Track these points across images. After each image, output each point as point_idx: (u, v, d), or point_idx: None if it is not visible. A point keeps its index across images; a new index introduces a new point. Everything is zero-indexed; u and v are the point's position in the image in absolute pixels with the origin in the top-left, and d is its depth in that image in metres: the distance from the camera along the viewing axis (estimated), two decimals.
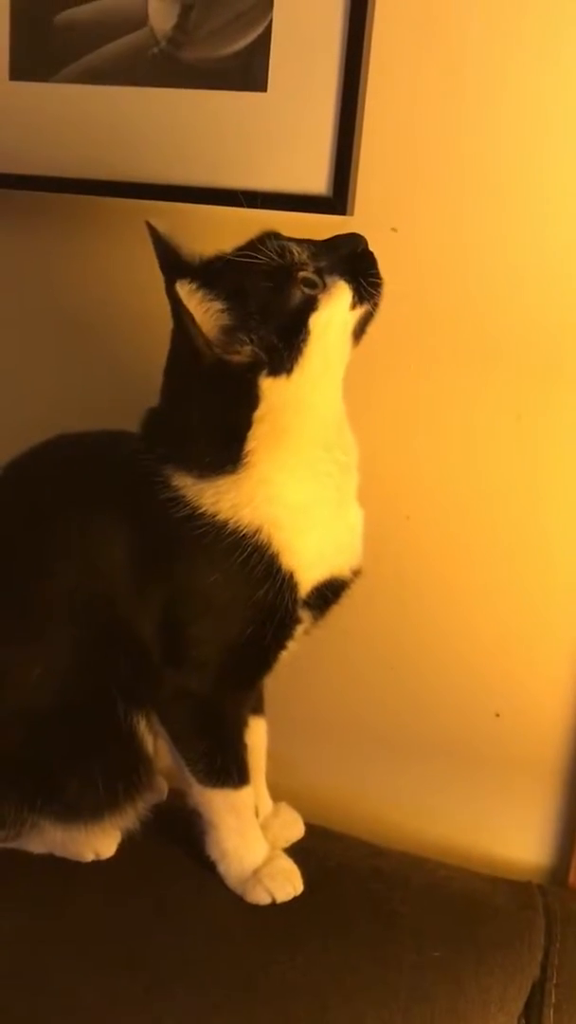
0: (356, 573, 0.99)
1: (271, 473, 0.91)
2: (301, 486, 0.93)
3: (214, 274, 0.88)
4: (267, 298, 0.87)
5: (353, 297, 0.89)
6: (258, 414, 0.89)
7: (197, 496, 0.92)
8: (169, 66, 1.10)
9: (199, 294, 0.86)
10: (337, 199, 1.06)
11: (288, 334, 0.87)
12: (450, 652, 1.17)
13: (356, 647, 1.19)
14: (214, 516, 0.91)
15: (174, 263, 0.91)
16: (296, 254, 0.88)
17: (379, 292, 0.90)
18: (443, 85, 1.05)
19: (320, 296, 0.88)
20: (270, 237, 0.91)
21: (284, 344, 0.87)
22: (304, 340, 0.88)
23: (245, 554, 0.90)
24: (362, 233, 1.06)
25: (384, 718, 1.21)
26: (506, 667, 1.15)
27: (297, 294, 0.88)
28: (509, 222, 1.06)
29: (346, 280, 0.89)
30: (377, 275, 0.90)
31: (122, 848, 1.07)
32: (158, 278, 0.92)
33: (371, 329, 0.93)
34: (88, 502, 0.97)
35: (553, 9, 1.00)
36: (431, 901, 1.04)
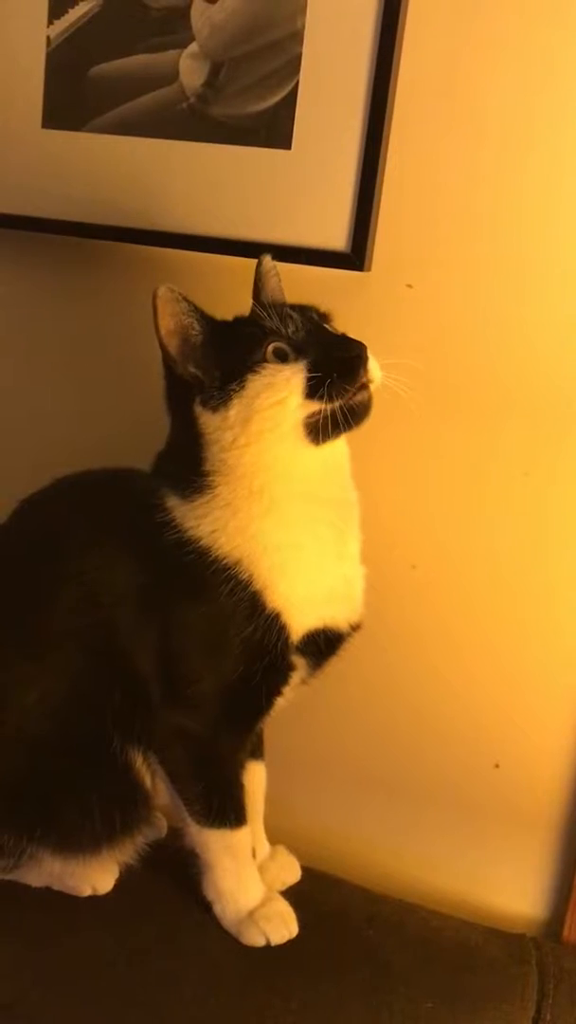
0: (355, 628, 1.00)
1: (236, 501, 0.94)
2: (277, 527, 0.94)
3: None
4: (237, 342, 0.92)
5: (307, 387, 0.90)
6: (204, 438, 0.94)
7: (183, 519, 0.95)
8: (197, 121, 1.14)
9: (183, 304, 0.92)
10: (355, 255, 1.09)
11: (228, 378, 0.92)
12: (451, 702, 1.17)
13: (358, 693, 1.20)
14: (198, 541, 0.94)
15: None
16: (289, 327, 0.92)
17: (339, 398, 0.89)
18: (463, 147, 1.08)
19: (271, 364, 0.91)
20: (303, 310, 0.95)
21: (221, 384, 0.92)
22: (235, 390, 0.91)
23: (229, 587, 0.93)
24: (379, 287, 1.10)
25: (384, 765, 1.22)
26: (507, 718, 1.16)
27: (257, 353, 0.91)
28: (523, 282, 1.08)
29: (308, 369, 0.90)
30: (346, 383, 0.89)
31: (119, 884, 1.07)
32: None
33: (402, 382, 0.92)
34: (95, 531, 1.00)
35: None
36: (425, 950, 1.04)
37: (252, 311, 0.95)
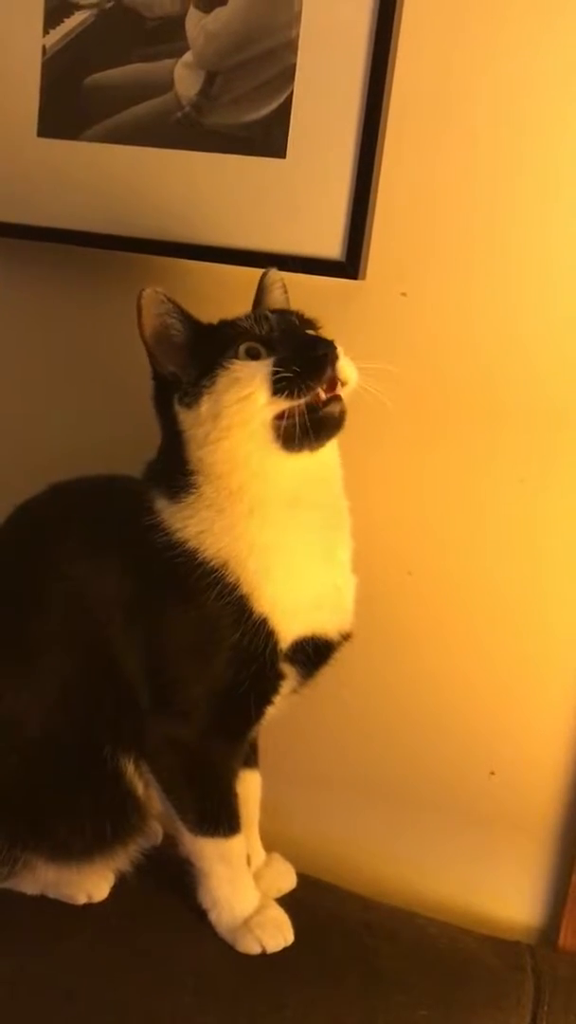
0: (345, 637, 1.01)
1: (219, 501, 0.95)
2: (261, 528, 0.94)
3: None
4: (214, 342, 0.94)
5: (272, 383, 0.90)
6: (183, 435, 0.95)
7: (171, 520, 0.96)
8: (192, 130, 1.14)
9: (166, 305, 0.95)
10: (350, 264, 1.09)
11: (202, 375, 0.94)
12: (447, 709, 1.18)
13: (353, 700, 1.20)
14: (185, 543, 0.94)
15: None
16: (263, 327, 0.94)
17: (304, 395, 0.90)
18: (457, 156, 1.08)
19: (240, 361, 0.92)
20: (283, 313, 0.97)
21: (195, 380, 0.94)
22: (206, 386, 0.93)
23: (216, 590, 0.93)
24: (373, 295, 1.11)
25: (379, 772, 1.22)
26: (502, 726, 1.16)
27: (230, 351, 0.93)
28: (517, 289, 1.09)
29: (275, 366, 0.90)
30: (311, 380, 0.90)
31: (115, 892, 1.07)
32: None
33: (380, 388, 0.93)
34: (87, 536, 1.00)
35: (569, 83, 1.04)
36: (420, 958, 1.04)
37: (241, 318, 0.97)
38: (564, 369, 1.09)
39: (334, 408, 0.92)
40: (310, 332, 0.96)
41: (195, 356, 0.95)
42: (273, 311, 0.97)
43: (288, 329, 0.95)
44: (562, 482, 1.10)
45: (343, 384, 0.92)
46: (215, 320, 0.98)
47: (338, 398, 0.92)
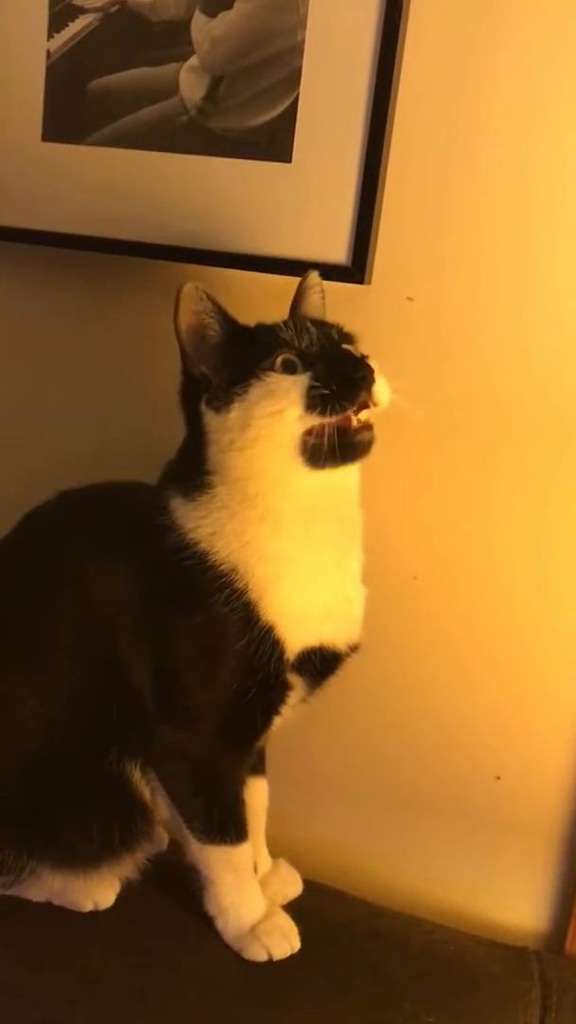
0: (353, 648, 1.00)
1: (232, 504, 0.94)
2: (272, 535, 0.94)
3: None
4: (250, 348, 0.93)
5: (308, 398, 0.89)
6: (206, 437, 0.94)
7: (184, 519, 0.95)
8: (197, 134, 1.14)
9: (205, 303, 0.93)
10: (356, 268, 1.09)
11: (234, 380, 0.93)
12: (452, 713, 1.18)
13: (359, 706, 1.20)
14: (197, 544, 0.94)
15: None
16: (303, 340, 0.93)
17: (337, 413, 0.89)
18: (463, 160, 1.08)
19: (276, 374, 0.91)
20: (323, 326, 0.96)
21: (227, 384, 0.93)
22: (238, 394, 0.92)
23: (225, 595, 0.93)
24: (380, 299, 1.11)
25: (385, 777, 1.22)
26: (508, 730, 1.16)
27: (266, 361, 0.92)
28: (522, 294, 1.09)
29: (310, 380, 0.90)
30: (345, 400, 0.89)
31: (121, 899, 1.07)
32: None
33: (411, 408, 0.92)
34: (95, 539, 1.00)
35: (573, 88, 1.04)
36: (427, 964, 1.04)
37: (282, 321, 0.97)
38: (570, 373, 1.09)
39: (365, 436, 0.92)
40: (347, 348, 0.95)
41: (229, 359, 0.94)
42: (314, 322, 0.96)
43: (327, 344, 0.94)
44: (567, 486, 1.10)
45: (374, 405, 0.91)
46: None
47: (370, 427, 0.92)
